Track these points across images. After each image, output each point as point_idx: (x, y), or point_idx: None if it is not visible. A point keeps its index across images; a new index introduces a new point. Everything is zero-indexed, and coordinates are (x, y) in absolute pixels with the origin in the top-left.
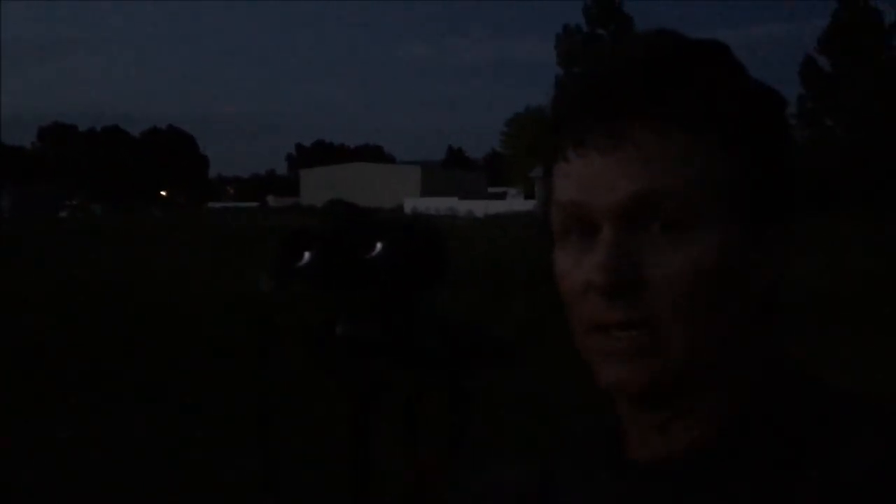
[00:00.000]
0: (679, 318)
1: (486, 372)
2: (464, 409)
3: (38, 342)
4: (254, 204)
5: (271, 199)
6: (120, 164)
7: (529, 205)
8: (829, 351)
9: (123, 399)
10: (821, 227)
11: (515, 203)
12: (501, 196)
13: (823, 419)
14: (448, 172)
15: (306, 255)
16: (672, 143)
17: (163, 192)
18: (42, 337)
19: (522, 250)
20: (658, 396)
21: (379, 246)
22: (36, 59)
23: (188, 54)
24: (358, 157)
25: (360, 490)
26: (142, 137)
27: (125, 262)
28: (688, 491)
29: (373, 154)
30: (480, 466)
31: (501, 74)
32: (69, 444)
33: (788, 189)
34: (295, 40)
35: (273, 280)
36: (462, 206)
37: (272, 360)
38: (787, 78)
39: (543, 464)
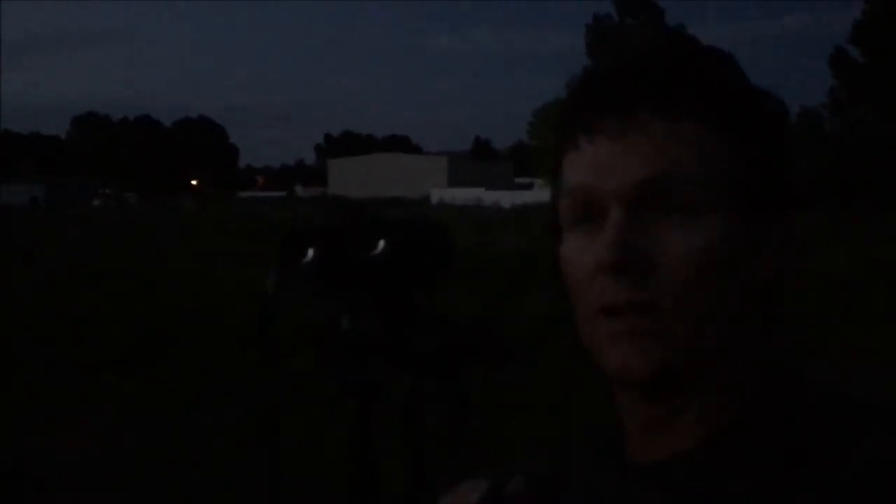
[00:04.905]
0: (685, 302)
1: (488, 371)
2: (462, 408)
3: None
4: (282, 193)
5: (300, 189)
6: (152, 154)
7: None
8: (853, 343)
9: (137, 391)
10: (851, 220)
11: (542, 193)
12: (528, 187)
13: (825, 421)
14: (475, 163)
15: (309, 253)
16: (682, 131)
17: (194, 182)
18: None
19: (548, 241)
20: (661, 386)
21: (381, 244)
22: (70, 50)
23: (220, 45)
24: (385, 147)
25: (362, 489)
26: (173, 127)
27: (154, 252)
28: (687, 492)
29: (400, 144)
30: (480, 466)
31: (529, 65)
32: (75, 432)
33: (786, 188)
34: (324, 32)
35: (276, 279)
36: (489, 197)
37: (276, 359)
38: (816, 68)
39: (553, 463)
